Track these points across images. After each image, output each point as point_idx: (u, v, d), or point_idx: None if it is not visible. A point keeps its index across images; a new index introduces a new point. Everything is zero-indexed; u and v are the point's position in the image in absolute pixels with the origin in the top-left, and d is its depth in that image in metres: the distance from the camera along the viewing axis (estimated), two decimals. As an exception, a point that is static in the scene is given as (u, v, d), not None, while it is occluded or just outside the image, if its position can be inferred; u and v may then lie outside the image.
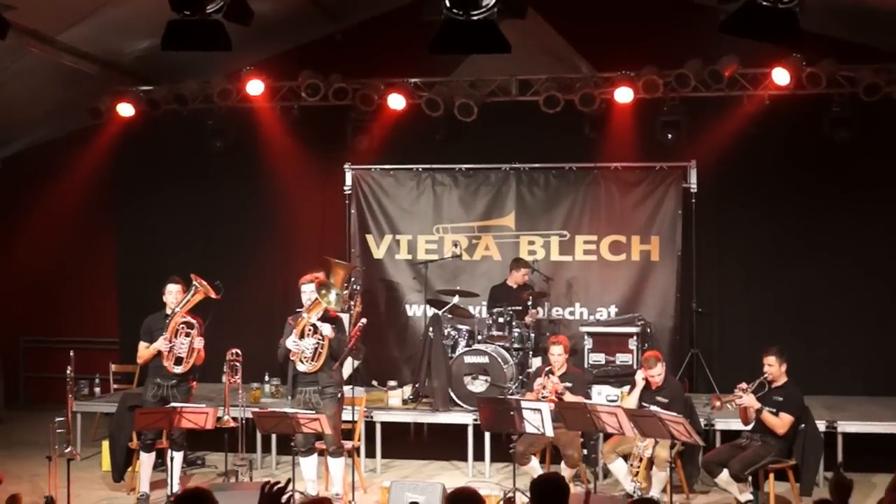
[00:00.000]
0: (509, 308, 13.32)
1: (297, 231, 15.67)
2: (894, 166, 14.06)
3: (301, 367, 10.65)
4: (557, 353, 11.21)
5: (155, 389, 10.95)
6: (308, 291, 10.74)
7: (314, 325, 10.63)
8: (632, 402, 10.97)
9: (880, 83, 12.93)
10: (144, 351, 11.07)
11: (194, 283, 11.00)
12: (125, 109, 14.59)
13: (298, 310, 10.87)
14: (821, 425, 11.21)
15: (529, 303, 13.51)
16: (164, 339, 10.87)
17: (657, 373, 10.91)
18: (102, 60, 14.04)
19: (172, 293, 11.06)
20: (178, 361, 10.92)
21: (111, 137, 15.27)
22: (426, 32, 7.87)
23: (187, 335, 10.94)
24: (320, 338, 10.60)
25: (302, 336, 10.65)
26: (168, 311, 11.04)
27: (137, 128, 14.98)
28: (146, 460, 11.04)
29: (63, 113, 15.15)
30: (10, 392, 16.66)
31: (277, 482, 5.54)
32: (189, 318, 11.00)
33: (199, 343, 10.97)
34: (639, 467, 10.47)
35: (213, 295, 11.16)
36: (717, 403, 10.54)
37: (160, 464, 11.36)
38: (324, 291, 10.61)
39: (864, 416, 12.32)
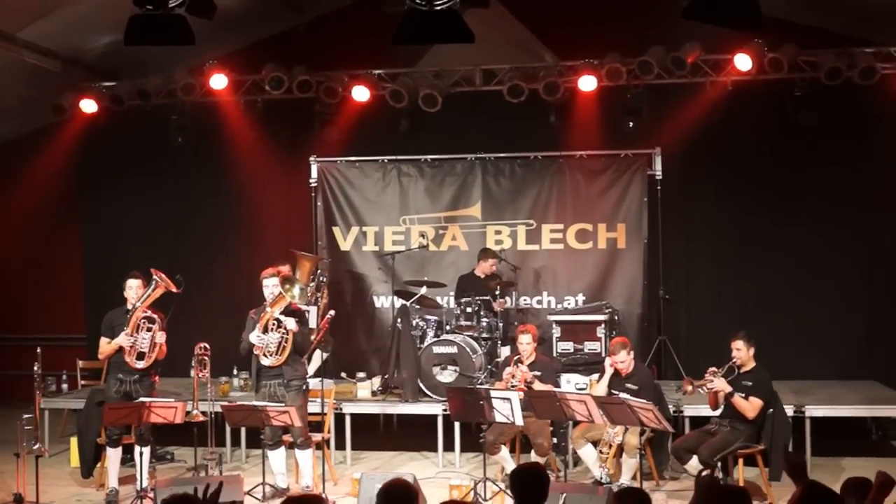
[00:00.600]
0: (477, 298, 13.34)
1: (263, 224, 15.64)
2: (857, 149, 14.18)
3: (265, 361, 10.64)
4: (526, 342, 11.22)
5: (118, 385, 10.87)
6: (270, 286, 10.74)
7: (278, 320, 10.62)
8: (601, 389, 10.99)
9: (841, 67, 12.98)
10: (106, 346, 10.97)
11: (154, 277, 10.91)
12: (88, 106, 14.51)
13: (259, 308, 10.86)
14: (789, 410, 11.27)
15: (497, 292, 13.53)
16: (126, 334, 10.78)
17: (622, 359, 10.95)
18: (64, 57, 13.95)
19: (133, 288, 10.95)
20: (141, 356, 10.82)
21: (75, 134, 15.17)
22: (389, 24, 7.86)
23: (149, 330, 10.85)
24: (284, 332, 10.60)
25: (266, 330, 10.64)
26: (129, 307, 10.94)
27: (101, 124, 14.89)
28: (113, 456, 10.97)
29: (26, 110, 15.06)
30: (-22, 390, 16.56)
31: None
32: (150, 313, 10.91)
33: (160, 338, 10.89)
34: (608, 454, 10.51)
35: (173, 289, 11.06)
36: (689, 388, 10.57)
37: (129, 459, 11.31)
38: (287, 286, 10.61)
39: (831, 400, 12.41)
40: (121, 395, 10.80)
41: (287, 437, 10.93)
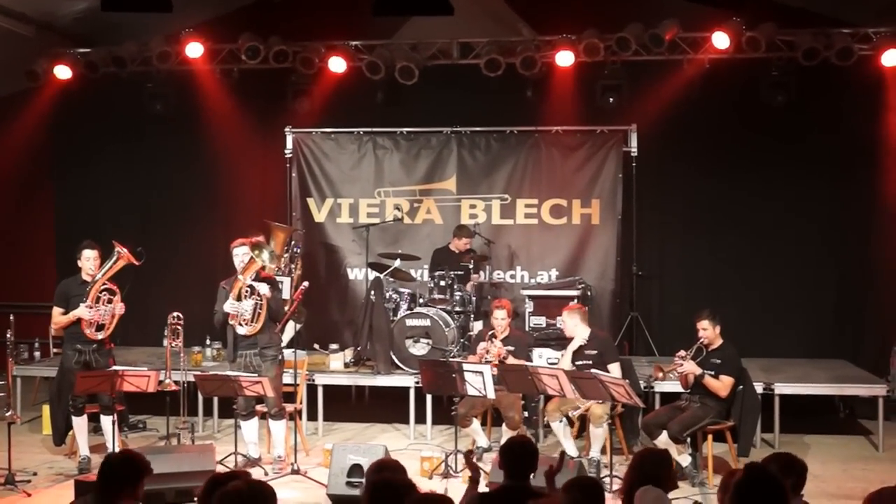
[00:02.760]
0: (451, 272, 13.34)
1: (237, 194, 15.61)
2: (832, 130, 14.23)
3: (241, 330, 10.62)
4: (501, 317, 11.24)
5: (77, 356, 10.80)
6: (241, 255, 10.72)
7: (250, 287, 10.61)
8: (565, 362, 11.07)
9: (819, 47, 13.00)
10: (61, 317, 10.85)
11: (116, 249, 10.83)
12: (62, 72, 14.41)
13: (225, 283, 10.84)
14: (758, 387, 11.32)
15: (471, 266, 13.56)
16: (86, 305, 10.73)
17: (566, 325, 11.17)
18: (38, 22, 13.87)
19: (90, 259, 10.82)
20: (100, 328, 10.79)
21: (48, 100, 15.07)
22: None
23: (109, 301, 10.81)
24: (258, 298, 10.59)
25: (239, 298, 10.63)
26: (86, 277, 10.86)
27: (75, 90, 14.80)
28: (78, 424, 10.93)
29: (-2, 75, 14.98)
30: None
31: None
32: (110, 285, 10.86)
33: (120, 310, 10.86)
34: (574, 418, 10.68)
35: (134, 262, 11.01)
36: (660, 374, 10.63)
37: (96, 427, 11.30)
38: (257, 251, 10.59)
39: (800, 378, 12.48)
40: (80, 365, 10.73)
41: (260, 408, 10.93)
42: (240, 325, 10.62)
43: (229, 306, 10.61)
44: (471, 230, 13.87)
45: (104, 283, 10.82)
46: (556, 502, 5.88)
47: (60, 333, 11.47)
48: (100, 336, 10.81)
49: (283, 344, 11.20)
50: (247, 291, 10.62)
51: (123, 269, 10.99)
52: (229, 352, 10.91)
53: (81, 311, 10.72)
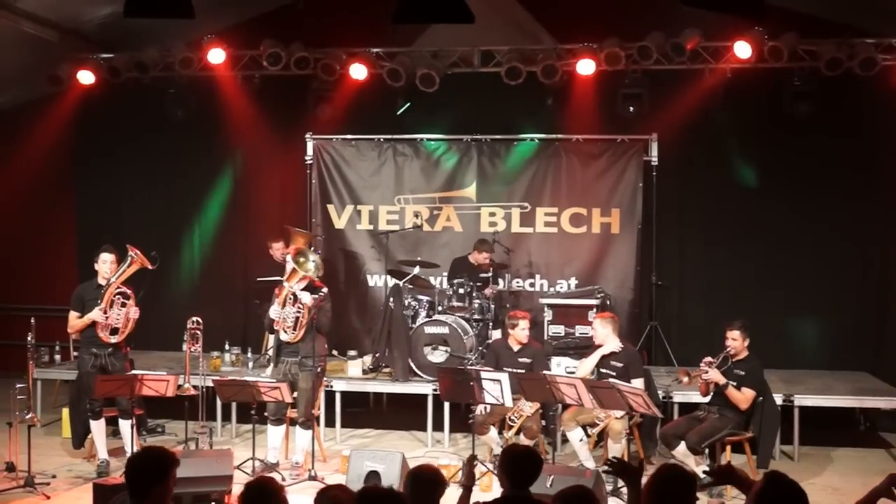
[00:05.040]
0: (469, 280, 13.34)
1: (258, 201, 15.65)
2: (854, 140, 14.16)
3: (284, 337, 10.75)
4: (523, 327, 11.37)
5: (93, 360, 10.92)
6: (290, 261, 10.79)
7: (294, 295, 10.66)
8: (586, 367, 11.08)
9: (842, 57, 12.93)
10: (77, 321, 10.99)
11: (130, 253, 10.93)
12: (85, 77, 14.45)
13: (260, 279, 10.91)
14: (778, 399, 11.30)
15: (489, 275, 13.54)
16: (100, 309, 10.82)
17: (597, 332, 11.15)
18: (63, 27, 13.92)
19: (107, 262, 10.95)
20: (114, 332, 10.89)
21: (71, 105, 15.13)
22: (388, 2, 7.84)
23: (123, 305, 10.90)
24: (300, 307, 10.63)
25: (283, 305, 10.70)
26: (101, 281, 10.97)
27: (98, 95, 14.84)
28: (97, 428, 11.03)
29: (23, 80, 15.01)
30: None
31: None
32: (124, 289, 10.95)
33: (134, 313, 10.95)
34: (592, 434, 10.60)
35: (148, 266, 11.11)
36: (685, 379, 10.55)
37: (115, 430, 11.33)
38: (301, 259, 10.64)
39: (820, 390, 12.42)
40: (97, 368, 10.85)
41: (291, 414, 10.97)
42: (283, 331, 10.69)
43: (274, 312, 10.73)
44: (491, 245, 13.79)
45: (118, 287, 10.90)
46: None
47: (77, 337, 11.53)
48: (114, 340, 10.90)
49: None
50: (290, 299, 10.69)
51: (138, 272, 11.06)
52: (273, 356, 10.99)
53: (95, 315, 10.83)
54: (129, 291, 10.96)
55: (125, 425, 10.80)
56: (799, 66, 13.37)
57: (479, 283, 13.43)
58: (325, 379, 11.93)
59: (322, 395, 11.88)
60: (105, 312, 10.83)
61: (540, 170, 14.74)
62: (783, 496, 5.11)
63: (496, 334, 13.08)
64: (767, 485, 5.15)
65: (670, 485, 5.40)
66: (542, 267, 14.66)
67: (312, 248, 13.49)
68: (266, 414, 10.74)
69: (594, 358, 11.10)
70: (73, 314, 11.03)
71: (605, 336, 11.10)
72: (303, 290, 10.72)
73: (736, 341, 10.49)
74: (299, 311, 10.68)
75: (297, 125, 15.14)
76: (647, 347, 14.19)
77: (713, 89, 13.78)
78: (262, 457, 10.73)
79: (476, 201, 14.84)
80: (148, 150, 15.74)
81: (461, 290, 13.28)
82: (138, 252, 10.97)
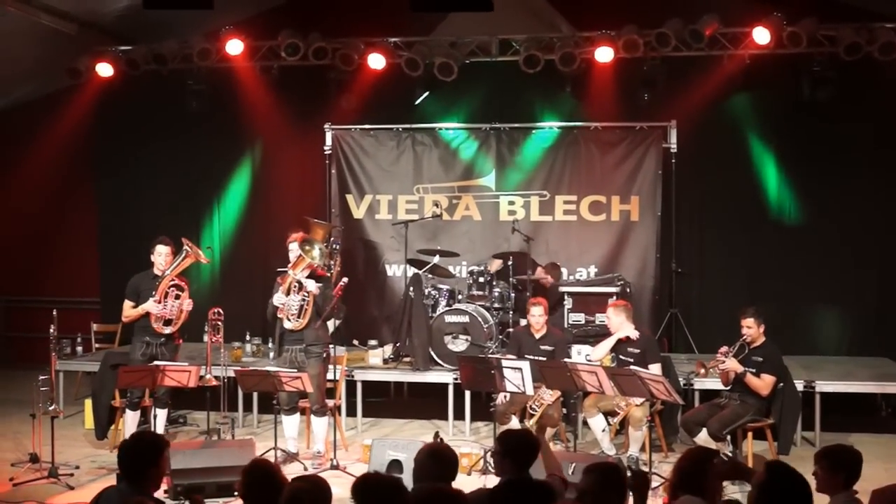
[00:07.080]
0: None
1: (277, 191, 15.67)
2: (874, 126, 14.12)
3: (287, 325, 10.74)
4: (538, 314, 11.29)
5: (144, 348, 11.03)
6: (294, 249, 10.81)
7: (299, 282, 10.69)
8: (600, 351, 11.11)
9: (861, 42, 12.87)
10: (131, 311, 11.13)
11: (185, 246, 11.04)
12: (104, 69, 14.51)
13: (280, 269, 10.93)
14: (799, 385, 11.28)
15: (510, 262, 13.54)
16: (155, 300, 10.94)
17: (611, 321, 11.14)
18: (81, 20, 13.96)
19: (162, 255, 11.10)
20: (168, 322, 11.04)
21: (90, 97, 15.20)
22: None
23: (177, 297, 11.04)
24: (305, 294, 10.67)
25: (288, 293, 10.71)
26: (156, 272, 11.11)
27: (116, 88, 14.89)
28: (131, 418, 11.13)
29: (42, 73, 15.09)
30: (-7, 351, 16.71)
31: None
32: (178, 281, 11.07)
33: (188, 305, 11.10)
34: (614, 423, 10.59)
35: (202, 259, 11.30)
36: (702, 370, 10.55)
37: (143, 422, 11.39)
38: (307, 247, 10.63)
39: (841, 376, 12.39)
40: (147, 357, 10.95)
41: (303, 403, 11.00)
42: (287, 319, 10.71)
43: (278, 300, 10.75)
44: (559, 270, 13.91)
45: (172, 279, 11.03)
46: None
47: (129, 325, 11.69)
48: (167, 331, 11.06)
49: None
50: (296, 287, 10.72)
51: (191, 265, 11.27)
52: (276, 346, 11.02)
53: (150, 306, 10.97)
54: (183, 284, 11.11)
55: (161, 414, 10.93)
56: (818, 52, 13.31)
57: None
58: (345, 369, 11.96)
59: (343, 385, 11.90)
60: (159, 303, 10.94)
61: (559, 158, 14.73)
62: (785, 486, 5.13)
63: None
64: (769, 475, 5.18)
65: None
66: (561, 255, 14.61)
67: (332, 239, 13.54)
68: (276, 404, 10.76)
69: (609, 342, 11.09)
70: (127, 303, 11.17)
71: (620, 324, 11.08)
72: (307, 277, 10.75)
73: (751, 328, 10.45)
74: (304, 299, 10.70)
75: (315, 115, 15.16)
76: (667, 335, 14.19)
77: (732, 76, 13.76)
78: (283, 447, 10.77)
79: (495, 190, 14.83)
80: (167, 141, 15.76)
81: (481, 279, 13.31)
82: (193, 245, 11.08)
